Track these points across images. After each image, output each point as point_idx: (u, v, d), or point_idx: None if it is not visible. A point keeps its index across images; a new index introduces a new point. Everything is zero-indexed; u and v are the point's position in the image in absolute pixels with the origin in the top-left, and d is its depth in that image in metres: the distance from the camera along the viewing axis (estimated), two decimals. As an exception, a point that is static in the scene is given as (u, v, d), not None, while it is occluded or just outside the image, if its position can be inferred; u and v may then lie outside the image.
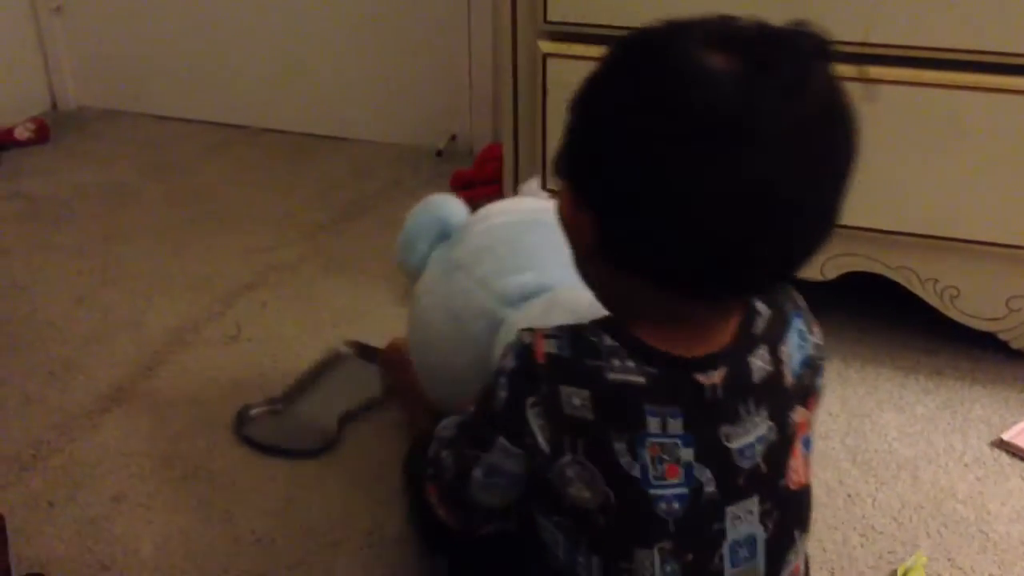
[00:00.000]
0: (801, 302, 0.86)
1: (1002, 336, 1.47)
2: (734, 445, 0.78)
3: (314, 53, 2.32)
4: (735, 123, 0.67)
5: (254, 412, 1.37)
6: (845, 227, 1.42)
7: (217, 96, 2.42)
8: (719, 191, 0.67)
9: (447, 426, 0.89)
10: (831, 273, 1.50)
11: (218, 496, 1.23)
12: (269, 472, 1.27)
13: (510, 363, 0.79)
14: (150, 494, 1.24)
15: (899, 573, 1.11)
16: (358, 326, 1.57)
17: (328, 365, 1.48)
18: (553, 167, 0.78)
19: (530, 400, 0.77)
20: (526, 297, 1.10)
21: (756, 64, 0.68)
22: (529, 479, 0.80)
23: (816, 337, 0.85)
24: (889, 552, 1.15)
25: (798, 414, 0.82)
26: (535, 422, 0.77)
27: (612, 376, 0.76)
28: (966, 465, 1.30)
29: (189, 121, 2.43)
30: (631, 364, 0.76)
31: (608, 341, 0.77)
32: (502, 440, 0.79)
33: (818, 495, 1.24)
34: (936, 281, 1.47)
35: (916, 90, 1.35)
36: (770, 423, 0.79)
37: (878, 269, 1.49)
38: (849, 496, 1.24)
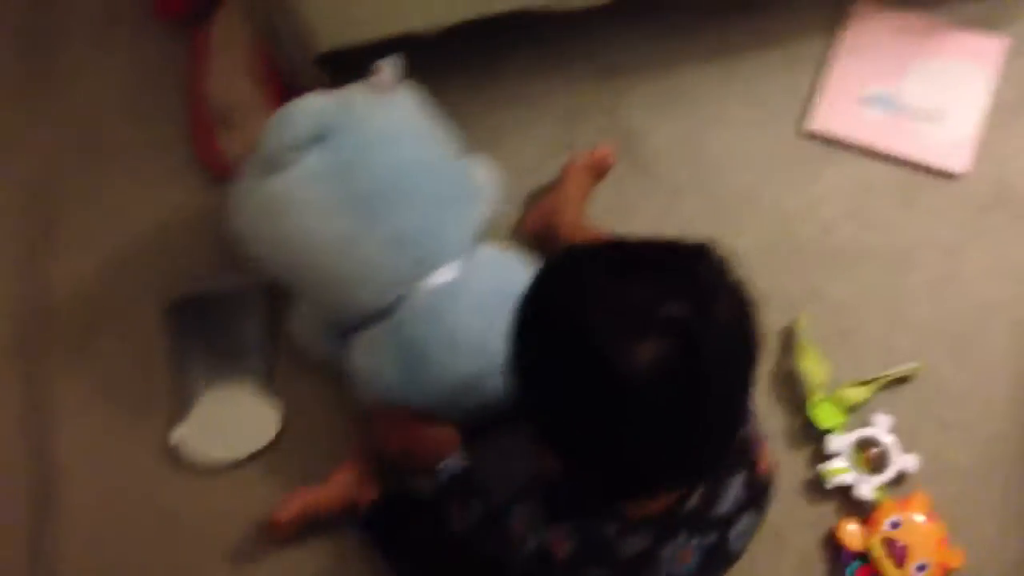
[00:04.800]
0: (753, 449, 1.06)
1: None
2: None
3: None
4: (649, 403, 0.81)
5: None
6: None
7: None
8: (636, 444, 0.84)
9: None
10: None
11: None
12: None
13: (533, 567, 0.99)
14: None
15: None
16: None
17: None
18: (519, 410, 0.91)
19: None
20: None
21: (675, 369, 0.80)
22: None
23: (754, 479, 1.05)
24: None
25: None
26: None
27: (622, 555, 0.97)
28: (778, 166, 1.49)
29: None
30: (632, 539, 0.97)
31: (612, 529, 0.97)
32: None
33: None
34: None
35: None
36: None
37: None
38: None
